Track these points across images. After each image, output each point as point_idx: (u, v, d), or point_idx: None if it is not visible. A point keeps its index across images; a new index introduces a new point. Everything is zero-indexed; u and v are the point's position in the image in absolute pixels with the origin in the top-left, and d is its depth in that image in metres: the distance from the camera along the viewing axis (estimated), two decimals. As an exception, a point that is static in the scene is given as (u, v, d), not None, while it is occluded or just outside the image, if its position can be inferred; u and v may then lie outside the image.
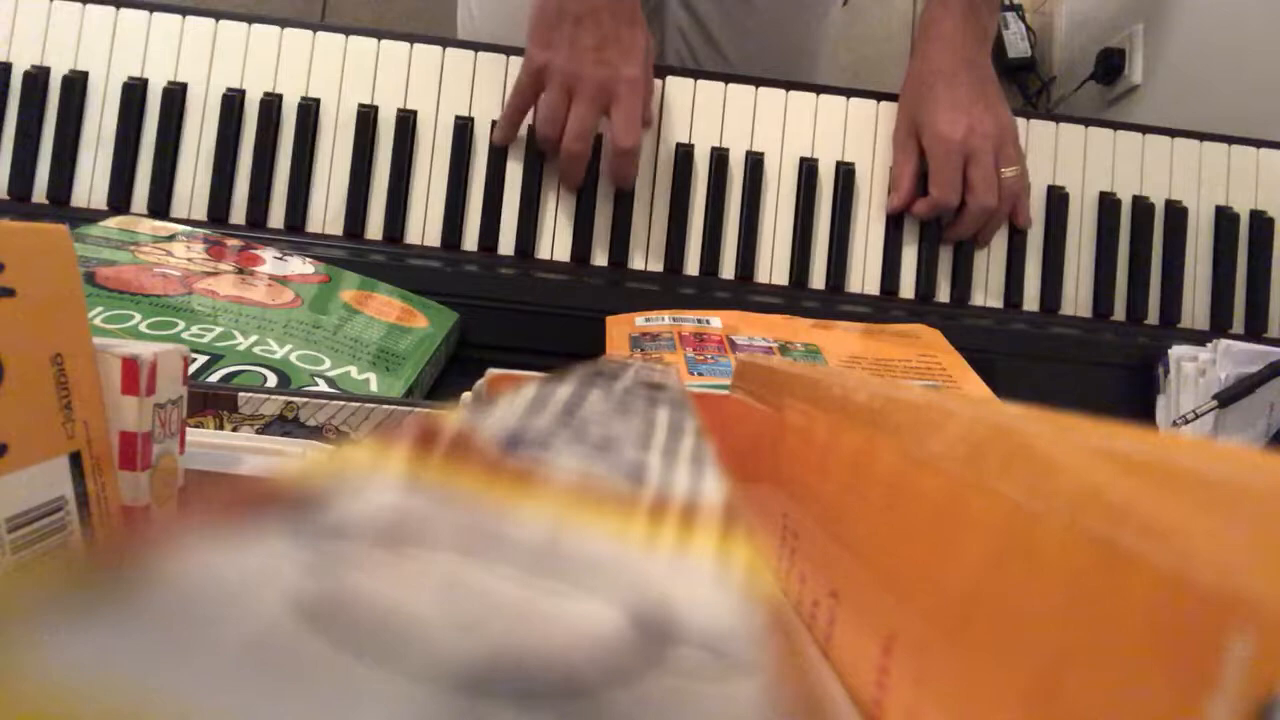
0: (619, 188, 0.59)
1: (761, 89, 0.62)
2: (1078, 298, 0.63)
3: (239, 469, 0.24)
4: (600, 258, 0.60)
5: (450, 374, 0.52)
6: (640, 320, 0.52)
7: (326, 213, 0.59)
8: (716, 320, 0.52)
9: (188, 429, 0.22)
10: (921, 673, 0.11)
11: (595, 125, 0.56)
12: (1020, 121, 0.63)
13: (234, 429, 0.32)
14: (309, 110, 0.58)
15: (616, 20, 0.55)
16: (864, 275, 0.61)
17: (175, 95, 0.58)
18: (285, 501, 0.06)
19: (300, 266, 0.52)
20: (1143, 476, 0.08)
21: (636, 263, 0.60)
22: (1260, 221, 0.64)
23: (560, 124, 0.56)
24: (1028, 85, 1.28)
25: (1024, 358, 0.58)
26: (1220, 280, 0.64)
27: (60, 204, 0.57)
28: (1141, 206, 0.63)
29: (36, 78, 0.58)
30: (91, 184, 0.58)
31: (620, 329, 0.51)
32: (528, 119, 0.59)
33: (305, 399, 0.33)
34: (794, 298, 0.60)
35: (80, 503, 0.18)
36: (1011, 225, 0.62)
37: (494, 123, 0.59)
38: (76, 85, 0.58)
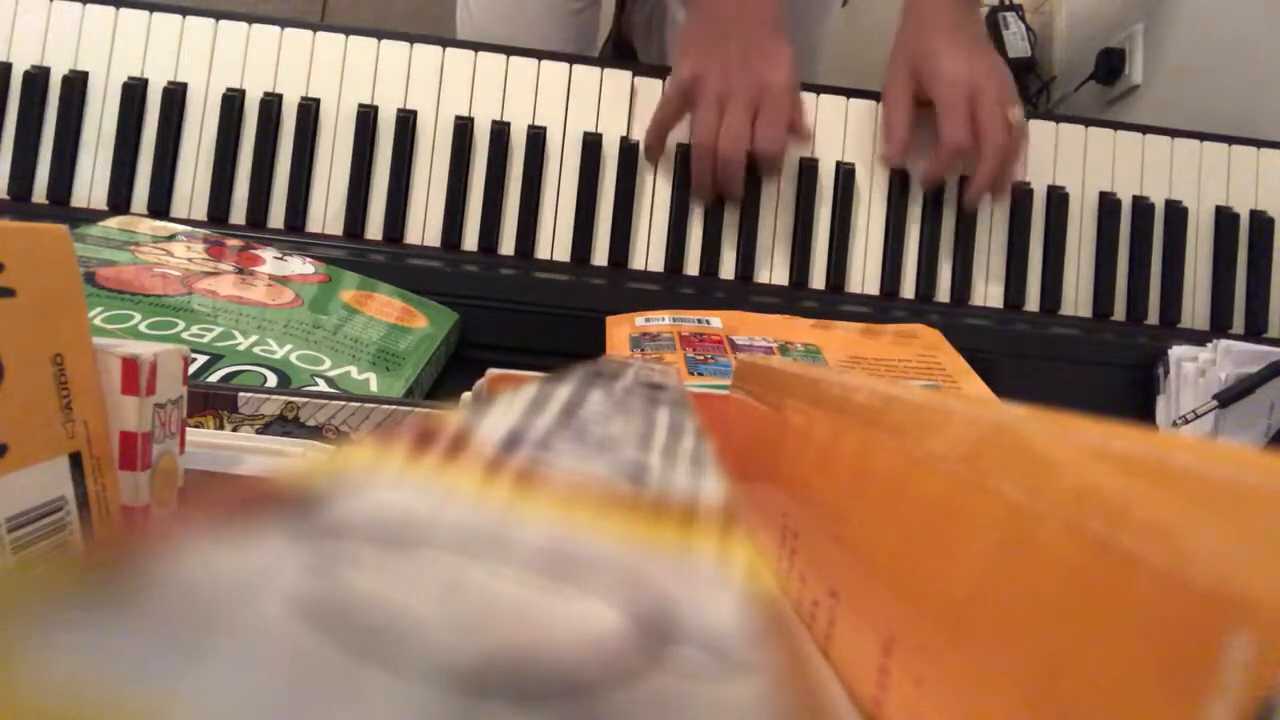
0: (769, 178, 0.61)
1: (761, 89, 0.62)
2: (1078, 298, 0.63)
3: (239, 469, 0.24)
4: (600, 258, 0.60)
5: (450, 374, 0.52)
6: (640, 320, 0.52)
7: (326, 213, 0.59)
8: (716, 320, 0.52)
9: (188, 429, 0.22)
10: (921, 673, 0.11)
11: (748, 132, 0.57)
12: (1020, 121, 0.63)
13: (234, 429, 0.32)
14: (309, 110, 0.58)
15: (760, 31, 0.57)
16: (864, 275, 0.61)
17: (175, 95, 0.58)
18: (285, 501, 0.06)
19: (300, 266, 0.52)
20: (1143, 476, 0.08)
21: (636, 263, 0.60)
22: (1260, 221, 0.64)
23: (716, 134, 0.57)
24: (1028, 85, 1.28)
25: (1024, 358, 0.58)
26: (1220, 280, 0.63)
27: (60, 204, 0.57)
28: (1141, 206, 0.63)
29: (36, 78, 0.58)
30: (91, 184, 0.58)
31: (620, 329, 0.51)
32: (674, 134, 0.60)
33: (305, 399, 0.33)
34: (794, 298, 0.60)
35: (80, 503, 0.18)
36: (1012, 225, 0.62)
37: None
38: (76, 85, 0.58)
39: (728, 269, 0.60)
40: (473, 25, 0.73)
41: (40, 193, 0.57)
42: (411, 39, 0.60)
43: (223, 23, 0.60)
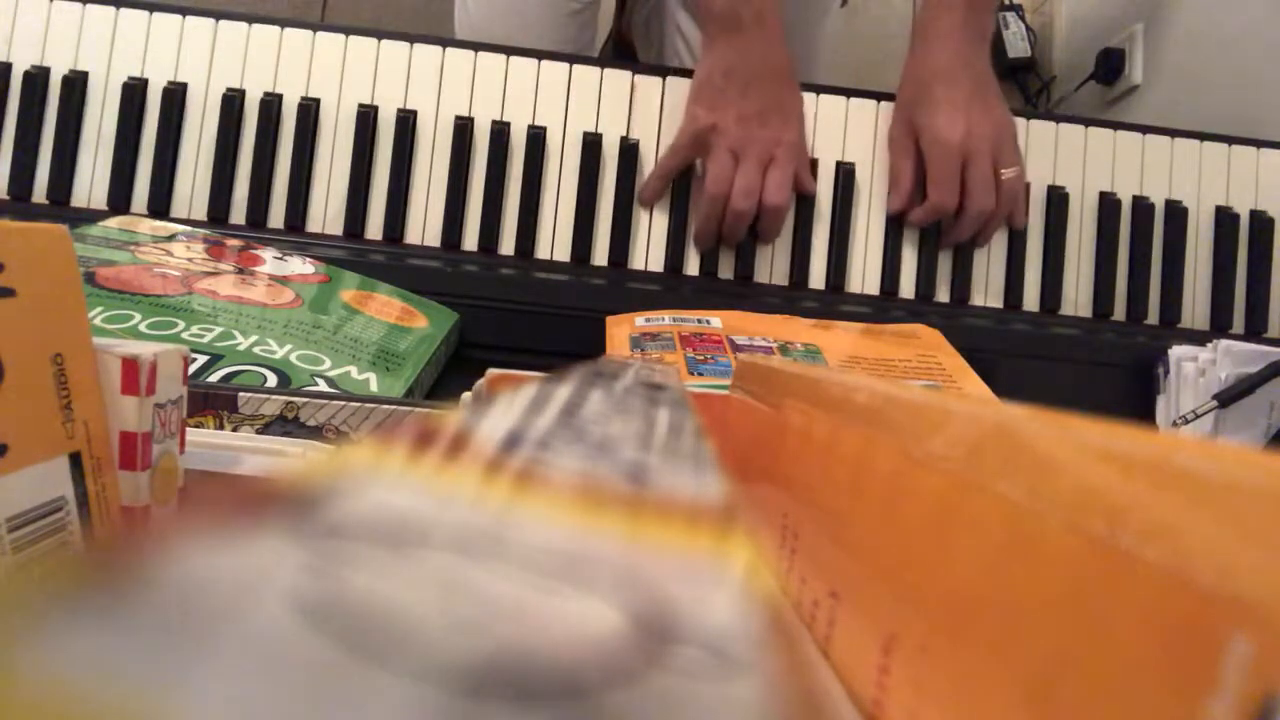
0: (765, 243, 0.61)
1: (761, 89, 0.62)
2: (1078, 298, 0.63)
3: (239, 469, 0.24)
4: (600, 258, 0.60)
5: (450, 374, 0.52)
6: (640, 320, 0.52)
7: (326, 213, 0.59)
8: (716, 320, 0.52)
9: (188, 429, 0.22)
10: (921, 673, 0.11)
11: (760, 184, 0.58)
12: (1020, 121, 0.63)
13: (234, 429, 0.32)
14: (309, 110, 0.58)
15: (779, 86, 0.58)
16: (864, 275, 0.61)
17: (175, 95, 0.58)
18: (285, 501, 0.06)
19: (300, 266, 0.52)
20: (1142, 476, 0.08)
21: (636, 263, 0.60)
22: (1260, 221, 0.64)
23: (729, 184, 0.58)
24: (1028, 85, 1.28)
25: (1024, 358, 0.58)
26: (1220, 280, 0.63)
27: (60, 204, 0.57)
28: (1141, 206, 0.63)
29: (36, 78, 0.58)
30: (91, 184, 0.58)
31: (620, 329, 0.51)
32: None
33: (305, 399, 0.33)
34: (794, 298, 0.60)
35: (80, 503, 0.18)
36: (1009, 226, 0.62)
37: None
38: (76, 85, 0.58)
39: (728, 269, 0.60)
40: (470, 25, 0.73)
41: (40, 193, 0.57)
42: (411, 39, 0.60)
43: (223, 23, 0.60)
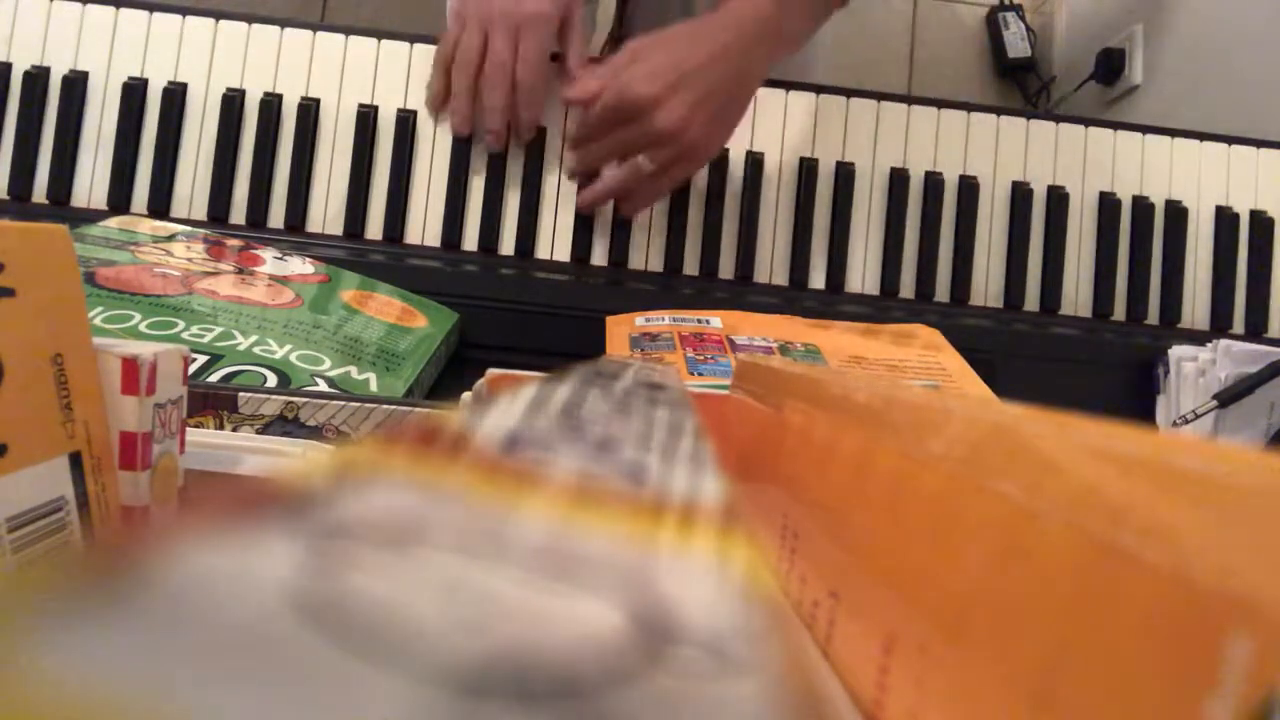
0: (520, 137, 0.58)
1: (761, 89, 0.62)
2: (1078, 298, 0.63)
3: (239, 469, 0.24)
4: (600, 258, 0.60)
5: (450, 374, 0.52)
6: (640, 320, 0.52)
7: (326, 213, 0.59)
8: (716, 320, 0.52)
9: (188, 429, 0.22)
10: (922, 673, 0.11)
11: (511, 58, 0.55)
12: (1020, 121, 0.64)
13: (234, 429, 0.32)
14: (309, 110, 0.58)
15: None
16: (863, 275, 0.61)
17: (175, 95, 0.58)
18: (285, 501, 0.06)
19: (300, 266, 0.52)
20: (1142, 476, 0.08)
21: (636, 263, 0.60)
22: (1260, 221, 0.64)
23: (478, 60, 0.56)
24: (1028, 85, 1.28)
25: (1024, 358, 0.58)
26: (1220, 280, 0.63)
27: (60, 204, 0.57)
28: (1141, 206, 0.63)
29: (36, 78, 0.58)
30: (91, 184, 0.58)
31: (620, 329, 0.51)
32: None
33: (305, 399, 0.33)
34: (794, 298, 0.60)
35: (80, 503, 0.18)
36: (1012, 225, 0.62)
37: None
38: (76, 85, 0.58)
39: (727, 269, 0.60)
40: None
41: (40, 193, 0.57)
42: (411, 39, 0.60)
43: (223, 23, 0.60)
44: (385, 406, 0.33)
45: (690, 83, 0.52)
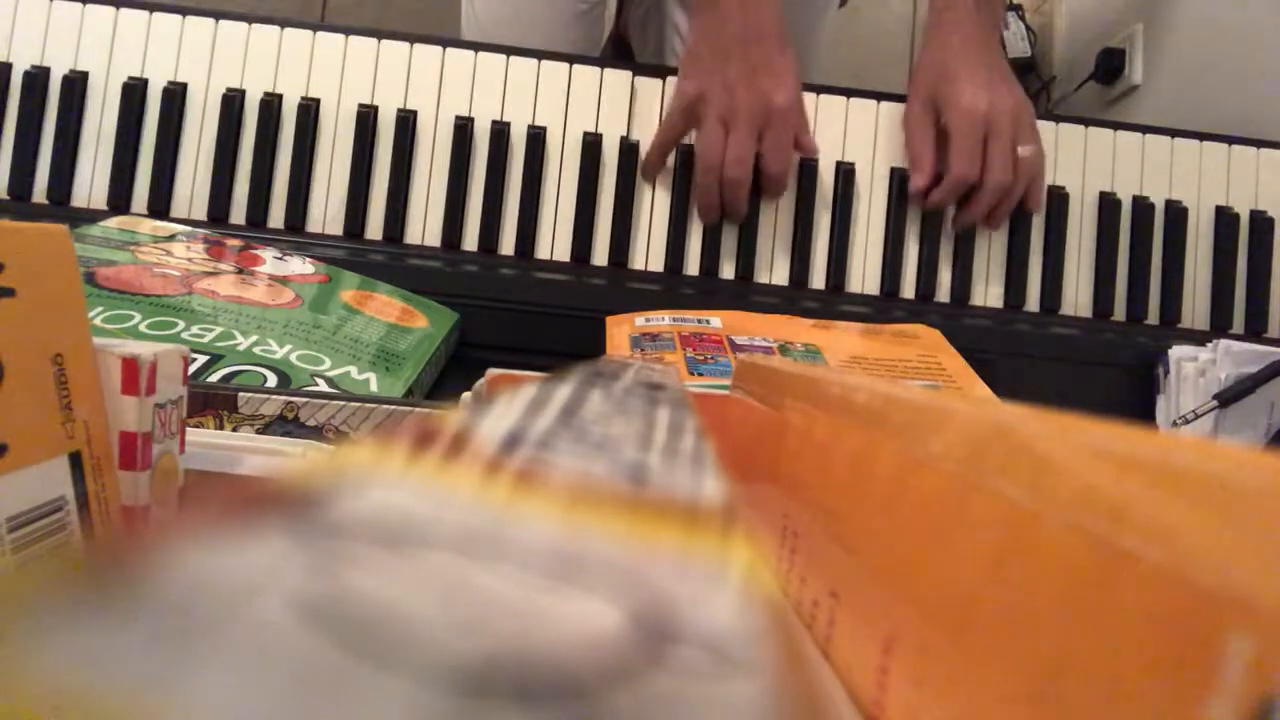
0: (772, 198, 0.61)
1: (761, 89, 0.62)
2: (1078, 298, 0.63)
3: (239, 469, 0.24)
4: (600, 258, 0.60)
5: (450, 374, 0.52)
6: (640, 320, 0.52)
7: (326, 213, 0.59)
8: (716, 320, 0.52)
9: (188, 429, 0.22)
10: (921, 673, 0.11)
11: (753, 151, 0.57)
12: (1020, 121, 0.63)
13: (234, 429, 0.32)
14: (309, 110, 0.58)
15: (766, 48, 0.57)
16: (864, 275, 0.61)
17: (175, 95, 0.58)
18: (285, 501, 0.06)
19: (300, 266, 0.52)
20: (1142, 476, 0.08)
21: (636, 263, 0.60)
22: (1260, 221, 0.64)
23: (721, 152, 0.57)
24: (1028, 85, 1.28)
25: (1024, 358, 0.58)
26: (1220, 280, 0.63)
27: (60, 204, 0.57)
28: (1141, 206, 0.63)
29: (36, 78, 0.58)
30: (91, 184, 0.58)
31: (620, 329, 0.51)
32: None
33: (305, 399, 0.33)
34: (794, 298, 0.60)
35: (80, 503, 0.18)
36: (1013, 225, 0.62)
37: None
38: (76, 85, 0.58)
39: (728, 269, 0.60)
40: (478, 26, 0.72)
41: (40, 193, 0.57)
42: (411, 39, 0.60)
43: (223, 23, 0.60)
44: (385, 406, 0.33)
45: (999, 130, 0.59)
